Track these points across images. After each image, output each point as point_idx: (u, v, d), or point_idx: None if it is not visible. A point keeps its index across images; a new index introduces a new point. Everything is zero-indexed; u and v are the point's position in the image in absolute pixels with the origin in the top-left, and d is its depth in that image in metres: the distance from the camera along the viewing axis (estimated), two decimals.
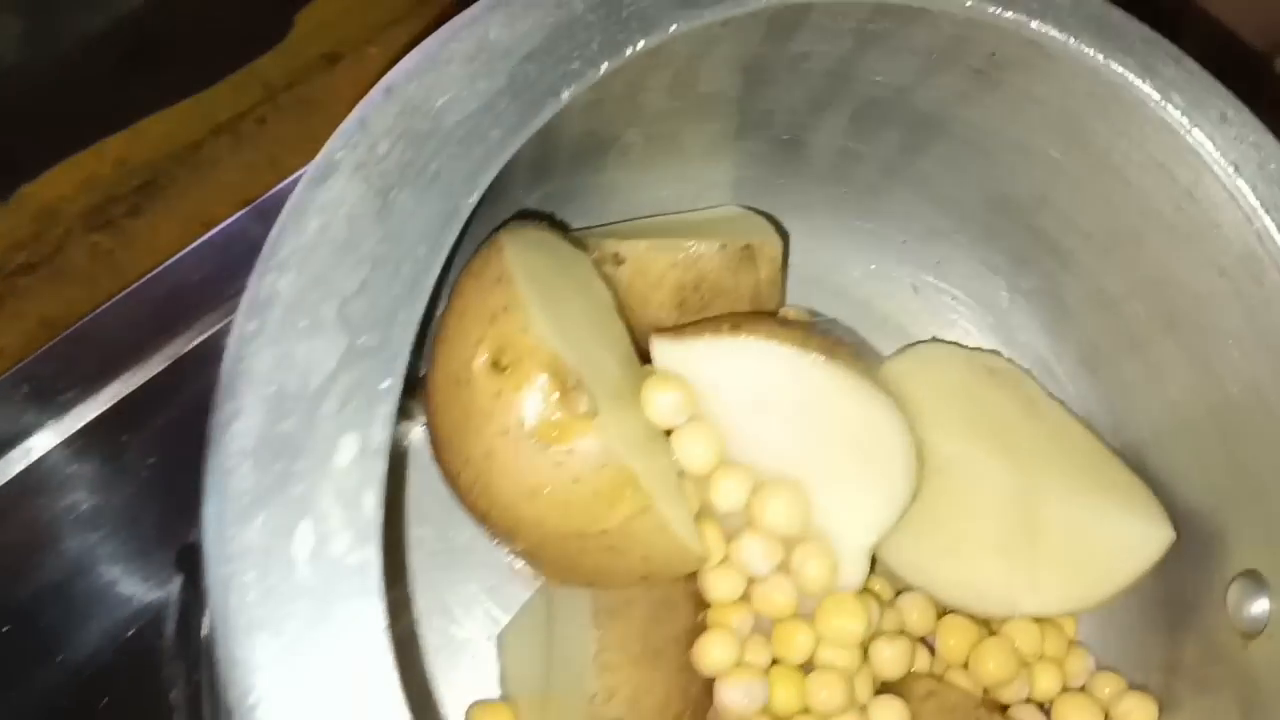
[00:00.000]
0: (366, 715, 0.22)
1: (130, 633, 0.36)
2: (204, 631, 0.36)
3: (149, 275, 0.40)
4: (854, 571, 0.32)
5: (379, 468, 0.23)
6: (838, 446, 0.32)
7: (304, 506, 0.23)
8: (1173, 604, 0.35)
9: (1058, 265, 0.38)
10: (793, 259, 0.41)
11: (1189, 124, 0.31)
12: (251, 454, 0.23)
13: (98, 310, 0.39)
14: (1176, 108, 0.31)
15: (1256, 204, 0.30)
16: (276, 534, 0.23)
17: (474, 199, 0.25)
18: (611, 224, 0.38)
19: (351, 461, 0.23)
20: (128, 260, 0.41)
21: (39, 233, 0.50)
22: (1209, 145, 0.30)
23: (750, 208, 0.39)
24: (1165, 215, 0.33)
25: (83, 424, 0.39)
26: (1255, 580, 0.32)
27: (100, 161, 0.47)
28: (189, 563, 0.40)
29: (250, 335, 0.24)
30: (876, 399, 0.32)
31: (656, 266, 0.34)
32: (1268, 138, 0.30)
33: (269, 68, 0.43)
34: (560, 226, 0.35)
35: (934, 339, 0.41)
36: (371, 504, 0.23)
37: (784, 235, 0.38)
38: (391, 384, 0.24)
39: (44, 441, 0.39)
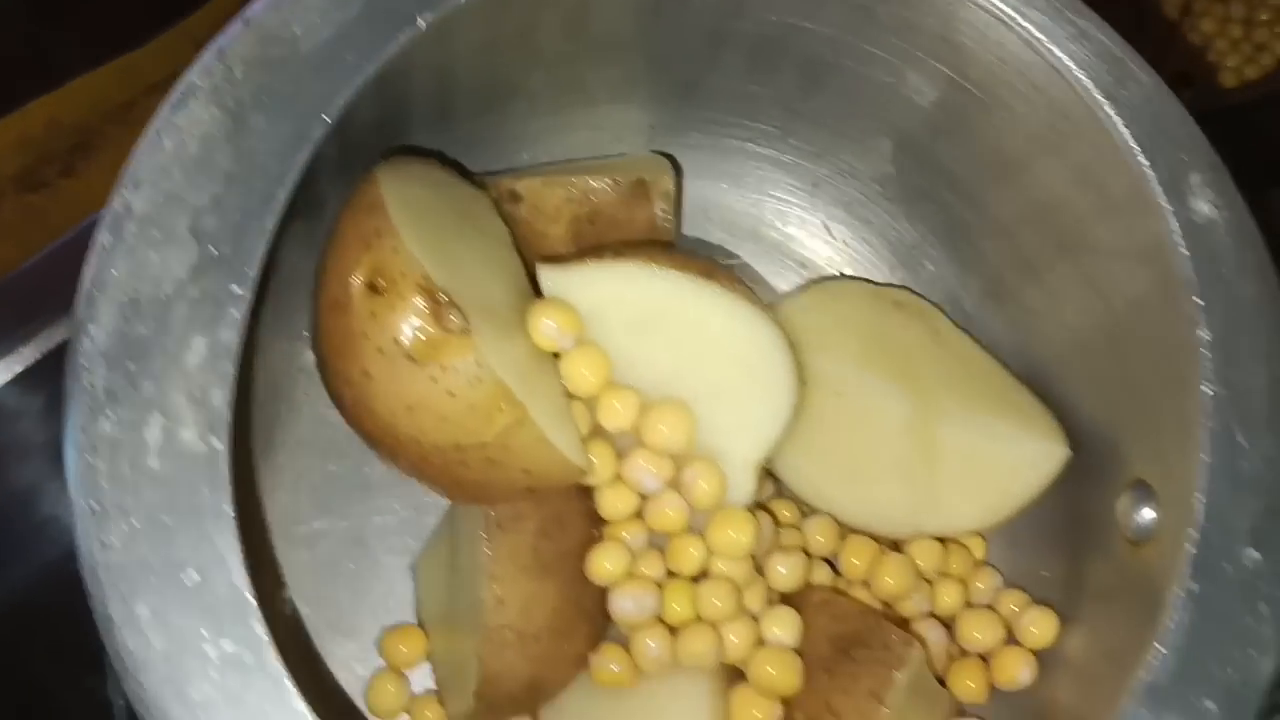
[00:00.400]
0: (215, 596, 0.24)
1: (71, 567, 0.37)
2: None
3: (81, 227, 0.41)
4: (742, 486, 0.33)
5: (228, 368, 0.25)
6: (720, 365, 0.33)
7: (154, 402, 0.24)
8: (1072, 520, 0.36)
9: (958, 198, 0.38)
10: (710, 203, 0.42)
11: (1049, 42, 0.31)
12: (104, 355, 0.24)
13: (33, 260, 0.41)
14: (1038, 27, 0.31)
15: (1115, 116, 0.31)
16: (128, 427, 0.24)
17: (328, 119, 0.27)
18: (521, 169, 0.39)
19: (201, 361, 0.25)
20: (61, 218, 0.43)
21: None
22: (1071, 64, 0.31)
23: (661, 152, 0.40)
24: (1045, 139, 0.34)
25: (28, 364, 0.40)
26: (1144, 490, 0.33)
27: (30, 122, 0.49)
28: None
29: (107, 248, 0.25)
30: (755, 317, 0.33)
31: (552, 201, 0.36)
32: (1121, 47, 0.31)
33: (198, 26, 0.44)
34: (459, 168, 0.37)
35: (841, 275, 0.41)
36: (220, 400, 0.24)
37: (679, 171, 0.39)
38: (241, 290, 0.25)
39: None
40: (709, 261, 0.35)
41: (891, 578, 0.35)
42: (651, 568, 0.33)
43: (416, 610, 0.36)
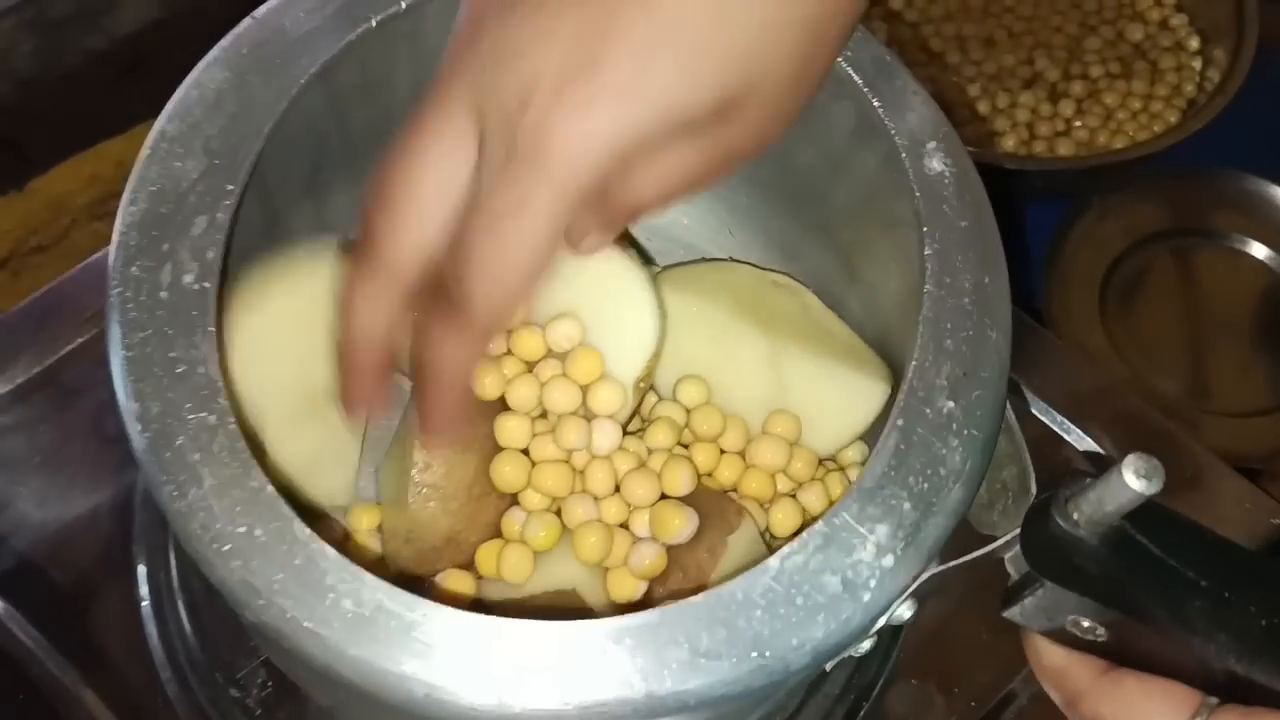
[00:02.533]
0: (196, 382, 0.35)
1: None
2: None
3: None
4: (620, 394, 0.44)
5: (220, 236, 0.37)
6: (602, 302, 0.44)
7: (168, 256, 0.36)
8: None
9: (813, 197, 0.49)
10: None
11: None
12: (138, 225, 0.37)
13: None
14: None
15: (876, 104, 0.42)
16: (149, 271, 0.36)
17: (304, 79, 0.39)
18: None
19: (202, 232, 0.37)
20: None
21: (50, 220, 0.66)
22: (852, 72, 0.43)
23: None
24: (855, 135, 0.45)
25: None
26: None
27: (102, 162, 0.63)
28: None
29: (145, 159, 0.38)
30: (627, 265, 0.44)
31: None
32: (890, 56, 0.42)
33: None
34: None
35: (731, 259, 0.53)
36: (213, 257, 0.36)
37: None
38: (233, 187, 0.37)
39: None
40: None
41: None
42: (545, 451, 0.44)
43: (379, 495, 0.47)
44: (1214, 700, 0.35)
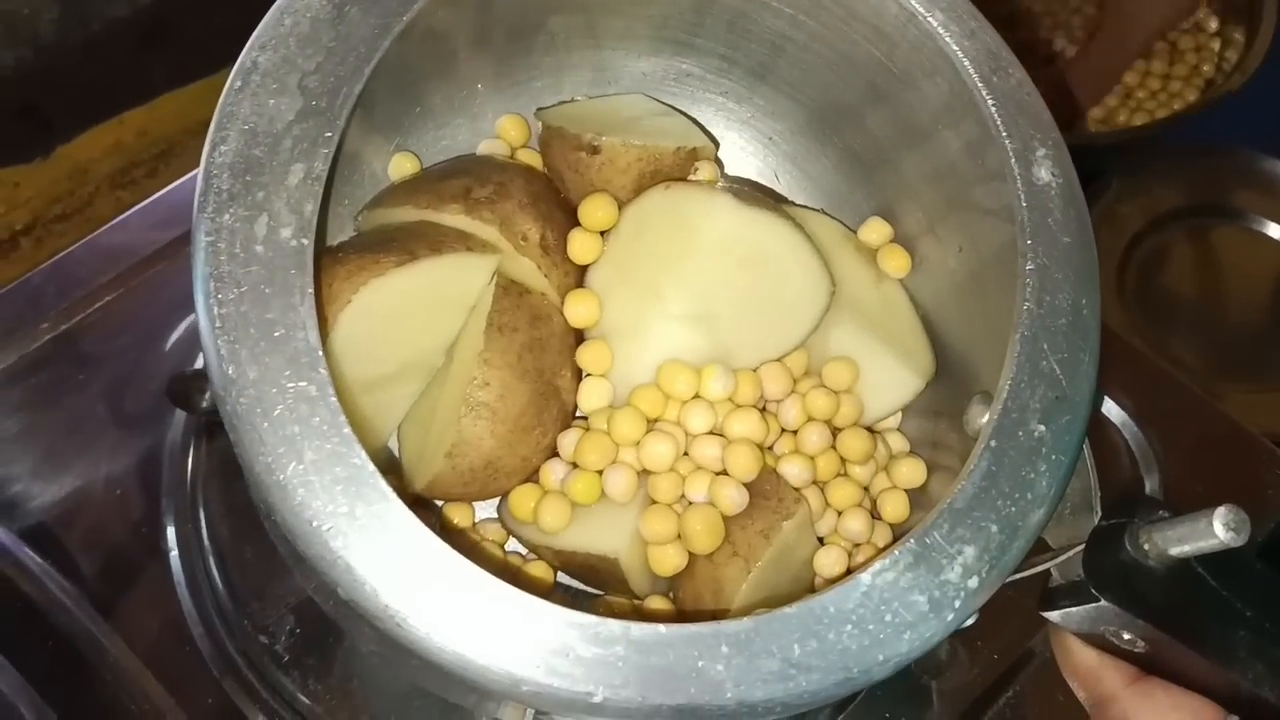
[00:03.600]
0: (294, 348, 0.34)
1: None
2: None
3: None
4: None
5: (318, 189, 0.35)
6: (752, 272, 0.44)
7: (263, 206, 0.34)
8: (937, 415, 0.47)
9: (880, 159, 0.49)
10: None
11: (947, 36, 0.42)
12: (229, 167, 0.35)
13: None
14: (940, 25, 0.42)
15: (989, 100, 0.42)
16: (243, 221, 0.34)
17: (407, 17, 0.37)
18: (558, 104, 0.50)
19: (299, 182, 0.35)
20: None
21: (73, 188, 0.64)
22: (962, 55, 0.42)
23: (656, 99, 0.51)
24: (944, 116, 0.44)
25: None
26: (984, 399, 0.43)
27: (124, 131, 0.60)
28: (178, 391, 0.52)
29: (235, 90, 0.35)
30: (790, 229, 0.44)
31: (625, 158, 0.46)
32: (999, 45, 0.42)
33: None
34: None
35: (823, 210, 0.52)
36: (310, 211, 0.35)
37: (715, 143, 0.50)
38: (332, 135, 0.35)
39: None
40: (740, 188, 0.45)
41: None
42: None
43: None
44: (1235, 718, 0.38)
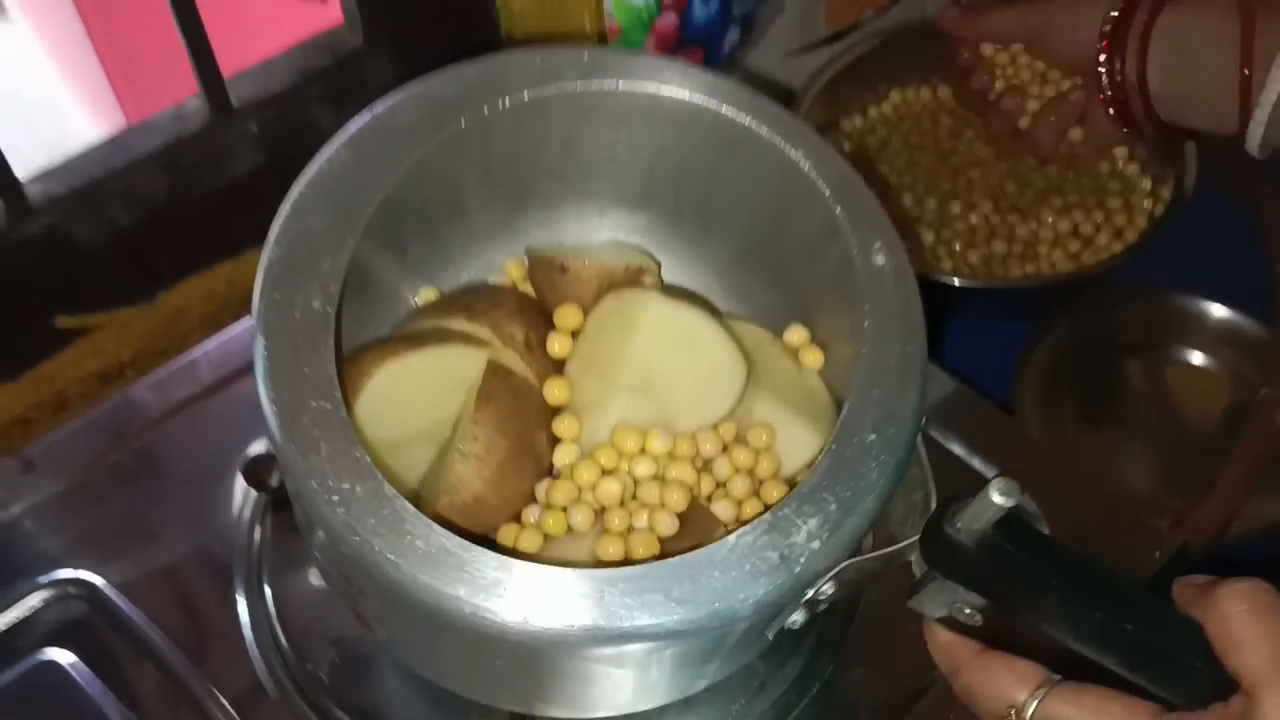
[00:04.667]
0: (318, 381, 0.49)
1: None
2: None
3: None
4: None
5: (341, 273, 0.51)
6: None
7: (300, 285, 0.50)
8: None
9: (793, 278, 0.63)
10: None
11: (809, 168, 0.57)
12: (280, 261, 0.51)
13: None
14: (804, 160, 0.58)
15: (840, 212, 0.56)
16: (287, 296, 0.50)
17: (415, 154, 0.54)
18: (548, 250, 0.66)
19: (327, 269, 0.51)
20: None
21: (172, 328, 0.82)
22: (819, 180, 0.57)
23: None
24: (820, 236, 0.59)
25: None
26: None
27: (216, 280, 0.79)
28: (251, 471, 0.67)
29: (285, 213, 0.52)
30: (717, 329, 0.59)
31: (587, 275, 0.62)
32: (846, 169, 0.57)
33: None
34: None
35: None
36: (334, 288, 0.50)
37: (657, 262, 0.66)
38: (352, 239, 0.51)
39: None
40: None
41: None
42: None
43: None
44: (1058, 677, 0.48)
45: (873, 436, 0.50)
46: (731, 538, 0.47)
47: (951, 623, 0.51)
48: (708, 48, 0.93)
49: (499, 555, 0.46)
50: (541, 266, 0.64)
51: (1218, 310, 0.94)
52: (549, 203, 0.66)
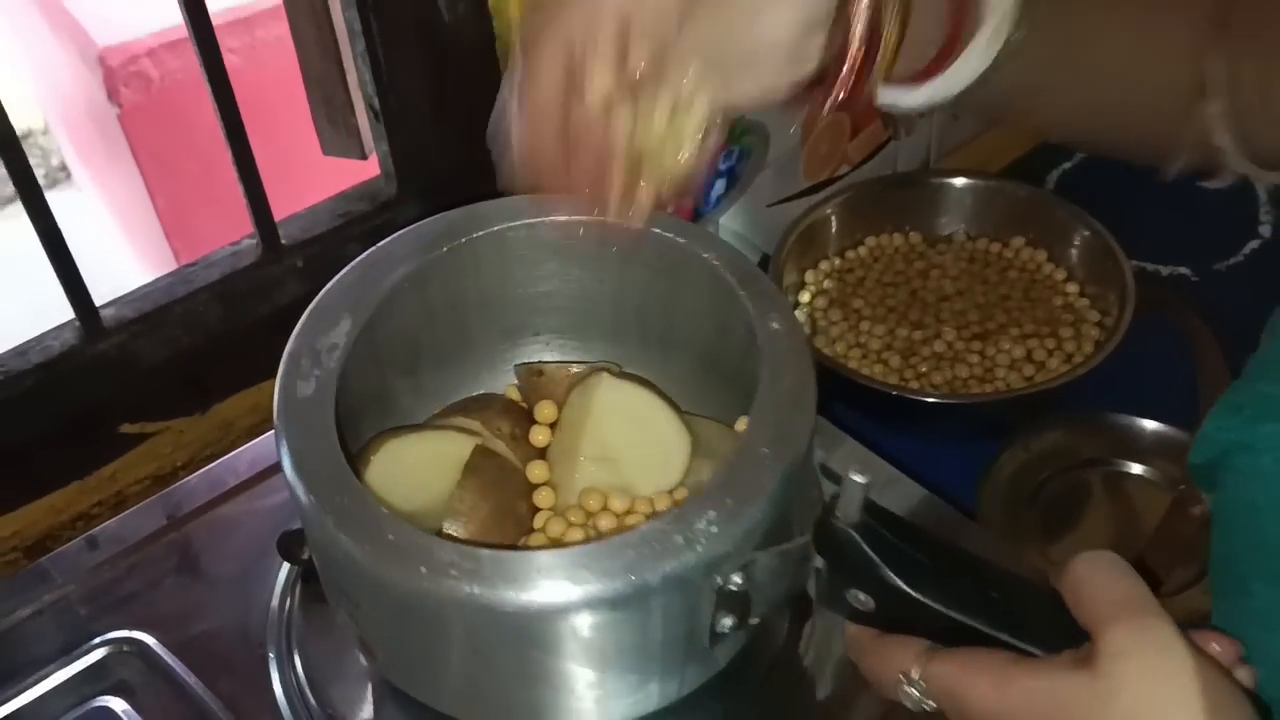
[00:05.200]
0: (320, 462, 0.61)
1: None
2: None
3: None
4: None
5: (337, 367, 0.64)
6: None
7: (307, 374, 0.63)
8: None
9: (739, 373, 0.75)
10: None
11: (714, 259, 0.70)
12: (295, 356, 0.64)
13: None
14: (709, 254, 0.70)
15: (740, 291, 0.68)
16: (294, 384, 0.63)
17: (402, 272, 0.67)
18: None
19: (332, 362, 0.64)
20: None
21: (221, 436, 0.96)
22: (723, 267, 0.69)
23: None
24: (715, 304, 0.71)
25: None
26: None
27: (261, 395, 0.94)
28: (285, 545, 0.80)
29: (304, 321, 0.65)
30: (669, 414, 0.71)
31: (559, 375, 0.76)
32: (744, 259, 0.69)
33: None
34: None
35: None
36: (332, 378, 0.63)
37: (617, 364, 0.79)
38: (350, 336, 0.65)
39: None
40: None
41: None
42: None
43: None
44: (939, 646, 0.55)
45: (765, 450, 0.61)
46: (644, 526, 0.58)
47: (854, 614, 0.58)
48: (696, 198, 1.07)
49: (454, 544, 0.58)
50: (524, 373, 0.78)
51: (1151, 425, 1.04)
52: (540, 333, 0.80)
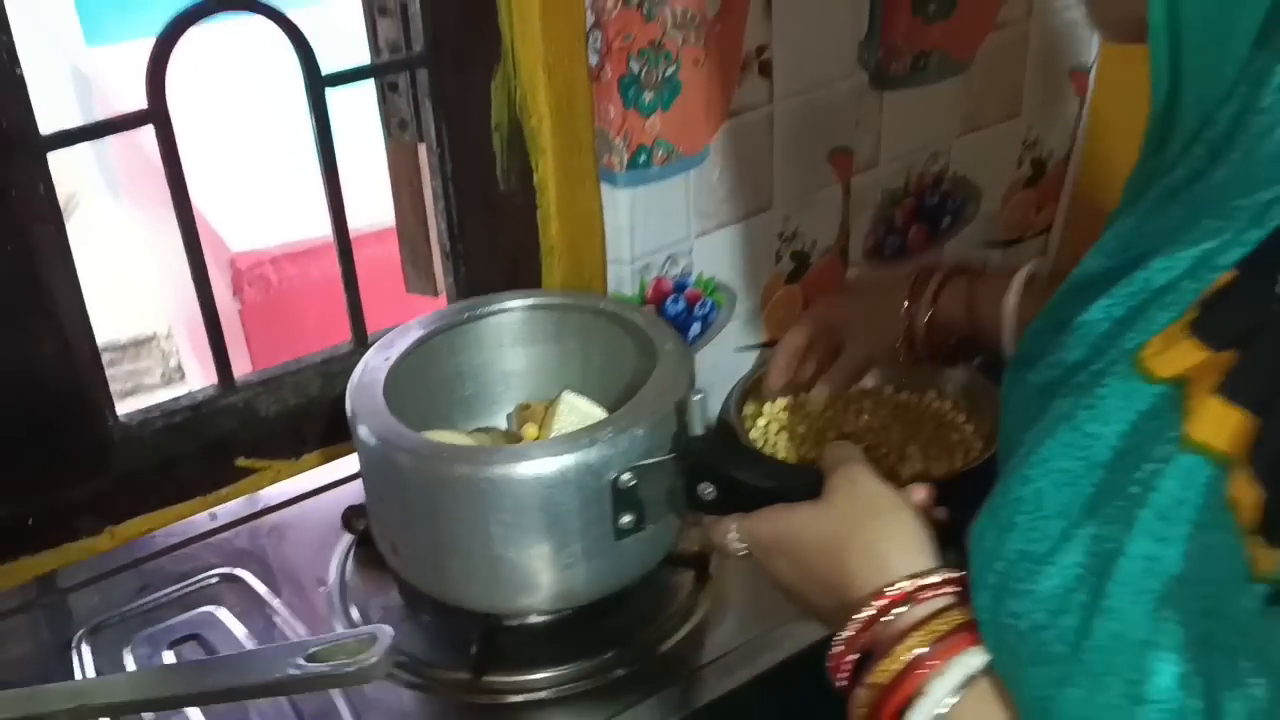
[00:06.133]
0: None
1: None
2: None
3: None
4: None
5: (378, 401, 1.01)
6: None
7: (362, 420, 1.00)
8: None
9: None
10: None
11: (649, 330, 1.07)
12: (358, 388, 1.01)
13: None
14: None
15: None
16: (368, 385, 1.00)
17: (399, 356, 1.05)
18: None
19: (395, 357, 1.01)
20: None
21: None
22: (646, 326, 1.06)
23: None
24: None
25: None
26: None
27: (345, 449, 1.30)
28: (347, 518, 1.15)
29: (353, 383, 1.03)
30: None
31: (537, 406, 1.16)
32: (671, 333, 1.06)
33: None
34: None
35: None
36: (381, 380, 1.00)
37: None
38: (388, 377, 1.02)
39: None
40: None
41: None
42: None
43: None
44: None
45: (653, 397, 0.97)
46: (567, 431, 0.95)
47: (702, 505, 0.93)
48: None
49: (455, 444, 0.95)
50: (516, 409, 1.16)
51: None
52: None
